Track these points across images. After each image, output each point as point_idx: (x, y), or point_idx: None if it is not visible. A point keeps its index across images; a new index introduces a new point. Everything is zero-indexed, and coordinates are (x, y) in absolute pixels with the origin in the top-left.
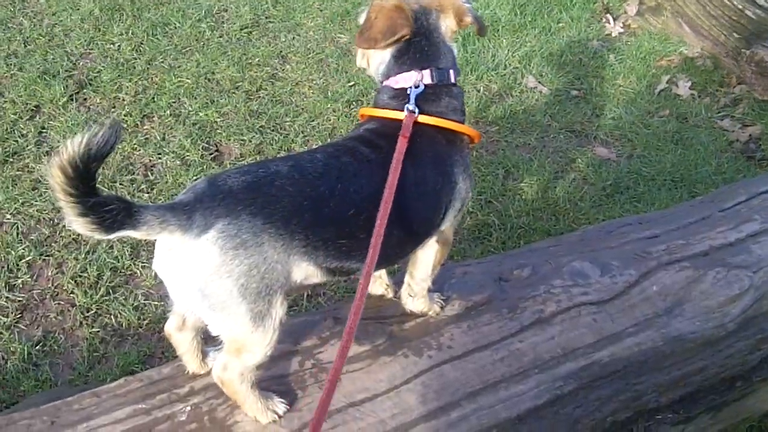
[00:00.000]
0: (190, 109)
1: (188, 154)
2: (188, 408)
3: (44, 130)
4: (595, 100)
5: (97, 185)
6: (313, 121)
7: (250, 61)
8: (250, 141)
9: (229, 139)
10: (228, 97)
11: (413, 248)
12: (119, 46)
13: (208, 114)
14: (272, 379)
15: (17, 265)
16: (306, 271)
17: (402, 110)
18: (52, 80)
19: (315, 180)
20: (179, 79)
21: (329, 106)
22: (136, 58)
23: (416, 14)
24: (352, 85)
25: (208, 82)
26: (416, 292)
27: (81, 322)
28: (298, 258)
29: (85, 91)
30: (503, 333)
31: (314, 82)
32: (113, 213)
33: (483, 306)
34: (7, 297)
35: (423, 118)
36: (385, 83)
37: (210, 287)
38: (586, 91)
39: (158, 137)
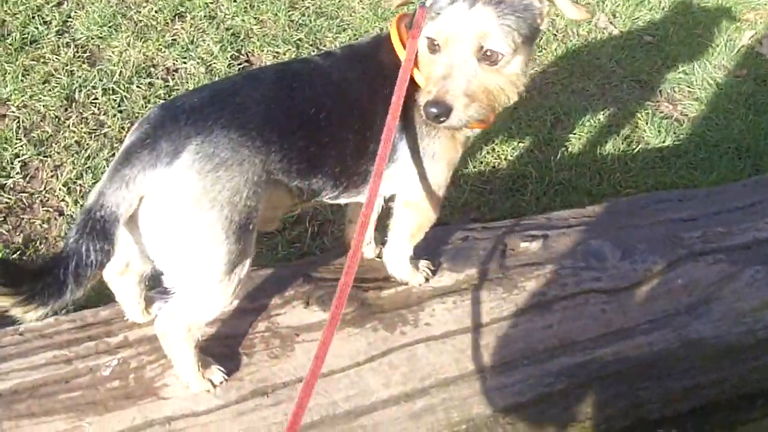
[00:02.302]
0: (226, 12)
1: (215, 61)
2: (114, 362)
3: (69, 20)
4: (668, 49)
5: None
6: (356, 38)
7: None
8: (285, 54)
9: (262, 50)
10: (270, 4)
11: (364, 164)
12: None
13: (244, 20)
14: (216, 339)
15: (11, 163)
16: (276, 196)
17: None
18: None
19: (273, 84)
20: None
21: (377, 24)
22: None
23: None
24: (404, 3)
25: None
26: (393, 256)
27: (65, 234)
28: (275, 176)
29: None
30: (494, 315)
31: None
32: (88, 261)
33: (477, 281)
34: None
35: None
36: None
37: (189, 224)
38: (660, 38)
39: (186, 40)
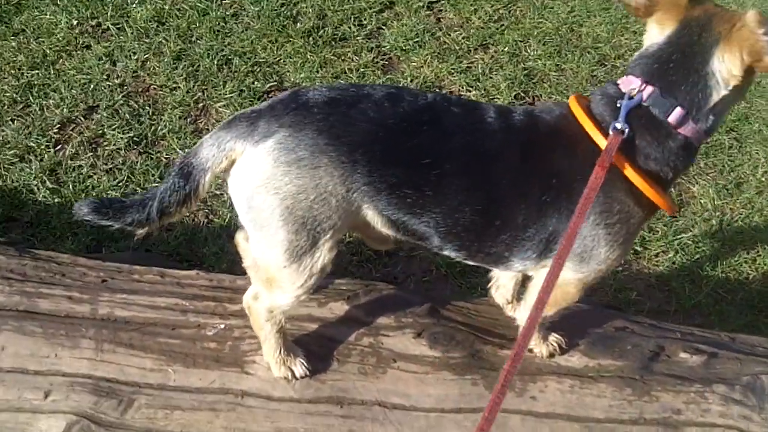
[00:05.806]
0: (531, 53)
1: (498, 96)
2: (222, 326)
3: (382, 28)
4: None
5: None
6: None
7: None
8: None
9: (550, 97)
10: (578, 55)
11: (491, 246)
12: None
13: (546, 64)
14: (316, 337)
15: None
16: (367, 216)
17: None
18: None
19: (404, 114)
20: None
21: None
22: None
23: (690, 18)
24: None
25: None
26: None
27: None
28: (359, 197)
29: None
30: (610, 414)
31: None
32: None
33: (608, 373)
34: None
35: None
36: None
37: (256, 200)
38: None
39: (480, 70)
